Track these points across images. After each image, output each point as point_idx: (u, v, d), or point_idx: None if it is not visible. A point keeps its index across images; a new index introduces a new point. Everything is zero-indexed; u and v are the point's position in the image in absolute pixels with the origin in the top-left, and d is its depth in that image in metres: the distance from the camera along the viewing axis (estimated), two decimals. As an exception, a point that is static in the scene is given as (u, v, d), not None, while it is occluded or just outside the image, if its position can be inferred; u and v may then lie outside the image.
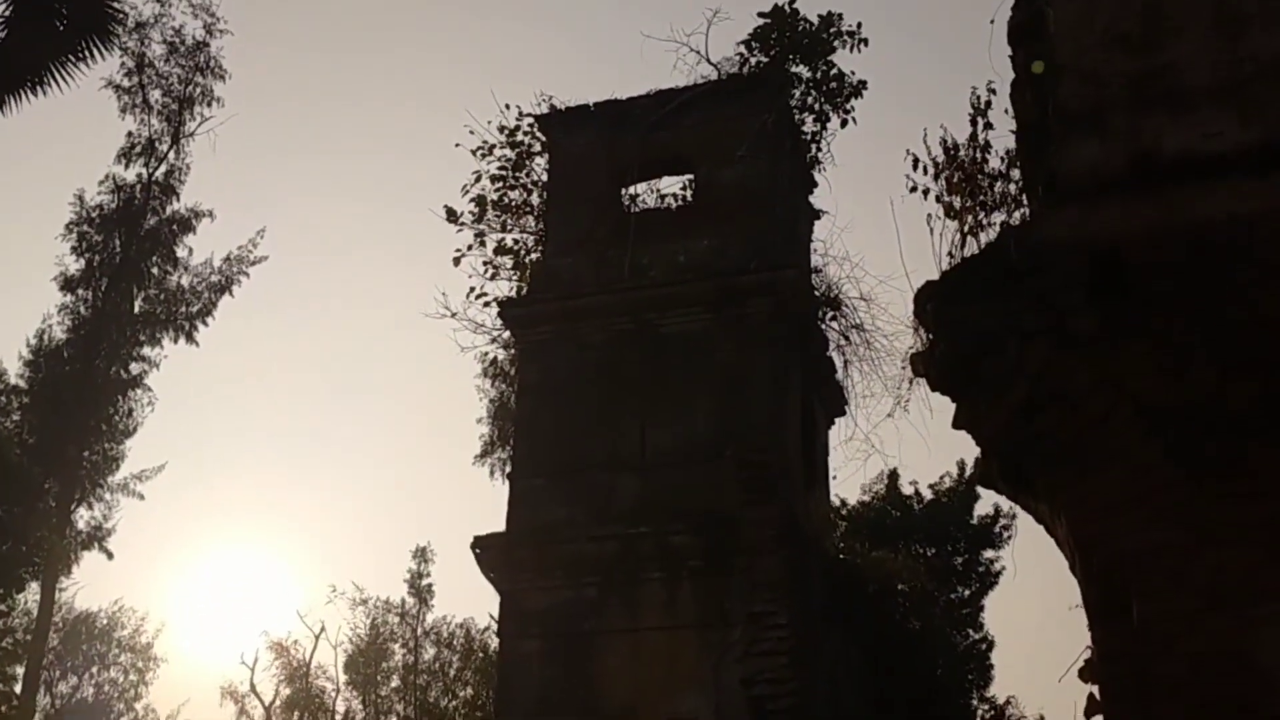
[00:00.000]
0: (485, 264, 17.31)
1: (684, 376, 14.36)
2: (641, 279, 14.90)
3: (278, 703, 39.75)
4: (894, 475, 27.77)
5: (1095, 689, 4.26)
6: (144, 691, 54.50)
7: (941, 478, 28.78)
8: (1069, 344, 4.56)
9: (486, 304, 17.88)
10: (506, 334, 17.92)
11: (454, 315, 17.91)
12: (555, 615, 13.58)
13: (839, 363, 15.82)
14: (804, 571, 13.29)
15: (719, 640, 12.95)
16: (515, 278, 17.94)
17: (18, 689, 26.58)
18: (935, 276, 5.13)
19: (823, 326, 15.72)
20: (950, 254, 4.98)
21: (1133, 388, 4.42)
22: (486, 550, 14.16)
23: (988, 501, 28.83)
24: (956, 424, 4.84)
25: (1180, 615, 3.99)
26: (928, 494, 28.69)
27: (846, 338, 15.20)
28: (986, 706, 27.41)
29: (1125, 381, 4.45)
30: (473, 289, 17.94)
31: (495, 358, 39.02)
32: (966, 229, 4.98)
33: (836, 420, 16.83)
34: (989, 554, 28.44)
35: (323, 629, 39.76)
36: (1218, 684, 3.88)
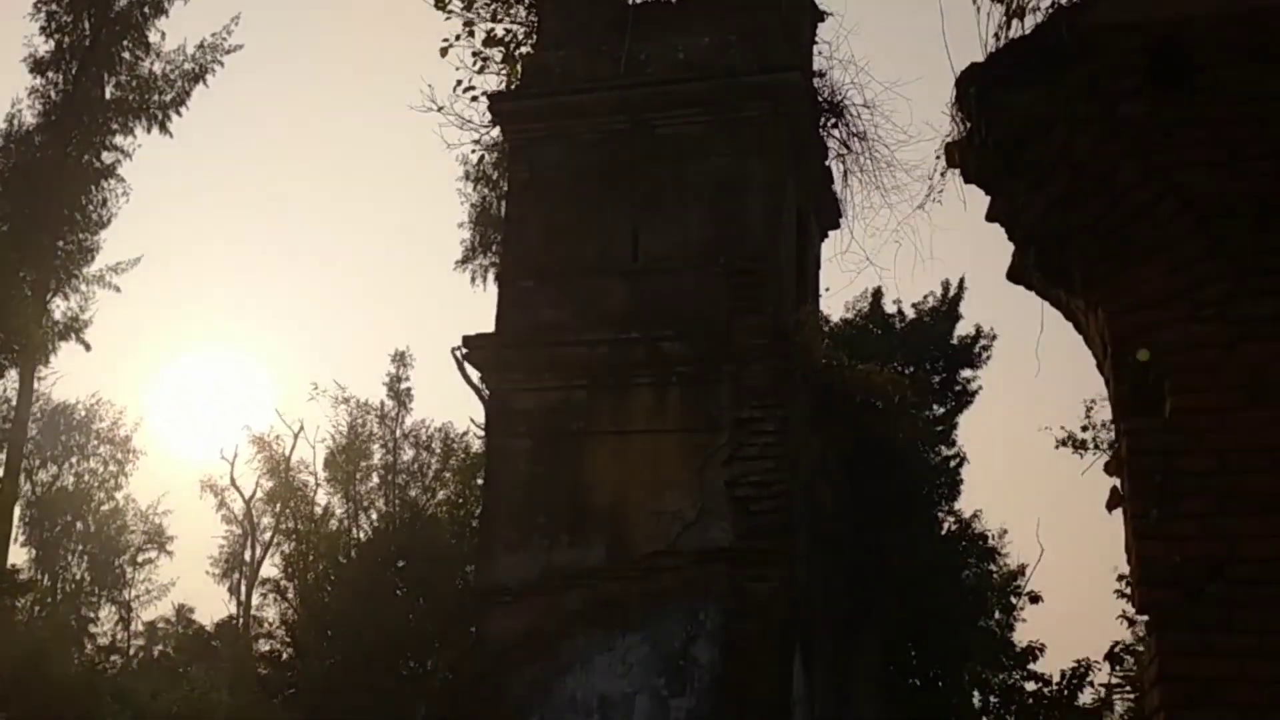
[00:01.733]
0: (474, 55, 16.68)
1: (679, 180, 14.07)
2: (639, 75, 14.42)
3: (259, 495, 40.59)
4: (878, 293, 27.80)
5: (1119, 482, 4.24)
6: (123, 482, 55.43)
7: (925, 297, 28.83)
8: (1117, 132, 4.36)
9: (474, 98, 17.33)
10: (495, 131, 17.43)
11: (440, 110, 17.35)
12: (544, 415, 13.65)
13: (837, 173, 15.53)
14: (791, 380, 13.33)
15: (705, 444, 13.09)
16: (505, 72, 17.33)
17: None
18: (973, 63, 4.86)
19: (823, 134, 15.35)
20: (996, 35, 4.70)
21: (1181, 179, 4.25)
22: (475, 350, 14.12)
23: (969, 322, 29.00)
24: (991, 216, 4.66)
25: (1215, 410, 3.94)
26: (910, 313, 28.78)
27: (847, 147, 14.87)
28: (954, 519, 28.24)
29: (1174, 173, 4.27)
30: (459, 82, 17.35)
31: (481, 158, 38.36)
32: (1013, 9, 4.69)
33: (830, 234, 16.66)
34: (966, 373, 28.75)
35: (301, 427, 40.29)
36: (1248, 476, 3.86)
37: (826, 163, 15.66)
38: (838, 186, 15.59)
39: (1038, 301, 4.80)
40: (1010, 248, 4.81)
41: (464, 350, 14.01)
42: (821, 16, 16.15)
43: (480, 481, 30.56)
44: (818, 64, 15.39)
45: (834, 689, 14.03)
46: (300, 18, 75.86)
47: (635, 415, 13.40)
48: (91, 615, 52.67)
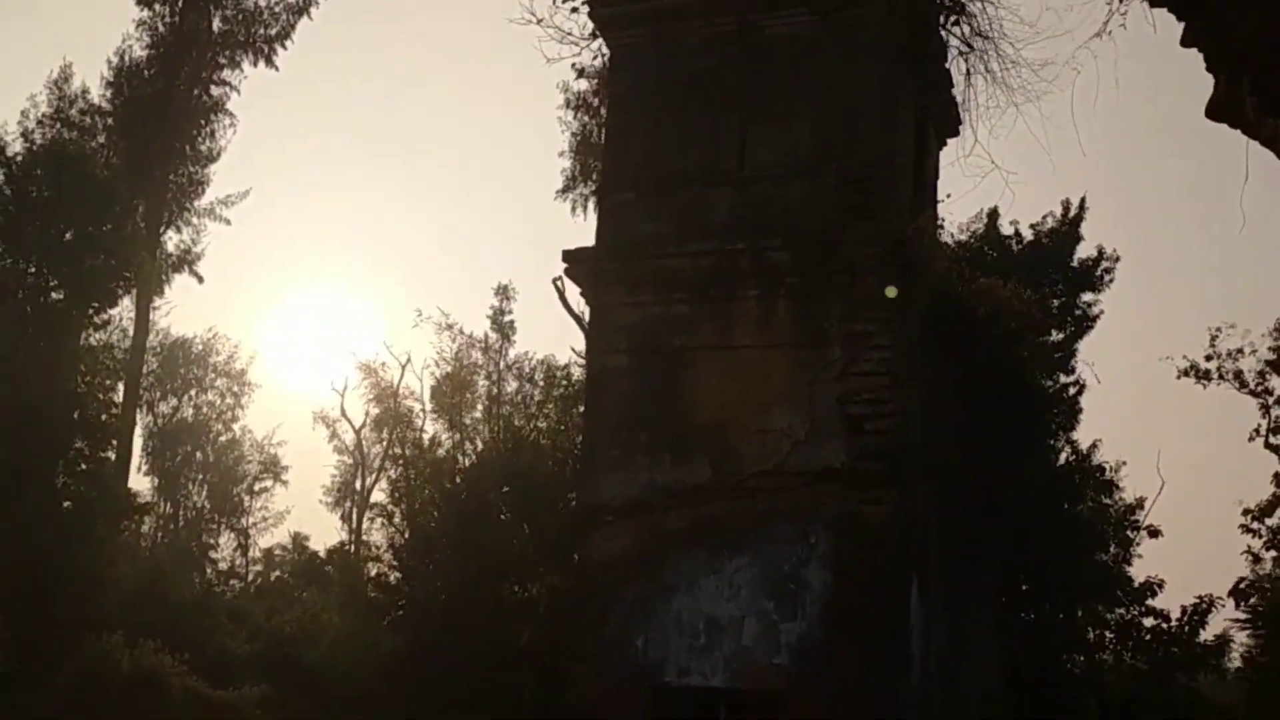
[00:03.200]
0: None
1: (787, 85, 13.32)
2: (745, -26, 13.63)
3: (367, 425, 41.09)
4: (994, 214, 26.57)
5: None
6: (240, 414, 56.89)
7: (1044, 217, 27.52)
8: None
9: (574, 9, 16.73)
10: (596, 44, 16.83)
11: (539, 22, 16.78)
12: (645, 330, 13.17)
13: (958, 73, 14.58)
14: (907, 293, 12.60)
15: (815, 359, 12.47)
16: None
17: (117, 398, 27.51)
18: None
19: (942, 33, 14.41)
20: None
21: None
22: (575, 265, 13.67)
23: (1090, 243, 27.65)
24: (1187, 41, 3.98)
25: None
26: (1028, 234, 27.52)
27: (969, 45, 13.90)
28: (1070, 450, 27.14)
29: None
30: (558, -6, 16.74)
31: (582, 86, 37.71)
32: None
33: (949, 141, 15.73)
34: (1087, 297, 27.47)
35: (409, 359, 40.57)
36: None
37: (946, 65, 14.72)
38: (959, 88, 14.67)
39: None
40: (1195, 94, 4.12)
41: (564, 266, 13.57)
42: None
43: (582, 408, 30.47)
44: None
45: (948, 622, 13.43)
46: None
47: (740, 329, 12.83)
48: (212, 542, 54.46)
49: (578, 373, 31.44)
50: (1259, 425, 38.09)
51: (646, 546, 12.55)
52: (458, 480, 25.67)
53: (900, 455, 12.10)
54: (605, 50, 16.77)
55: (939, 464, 13.28)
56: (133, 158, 32.69)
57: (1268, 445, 37.97)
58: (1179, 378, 38.53)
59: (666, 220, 13.36)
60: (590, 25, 16.48)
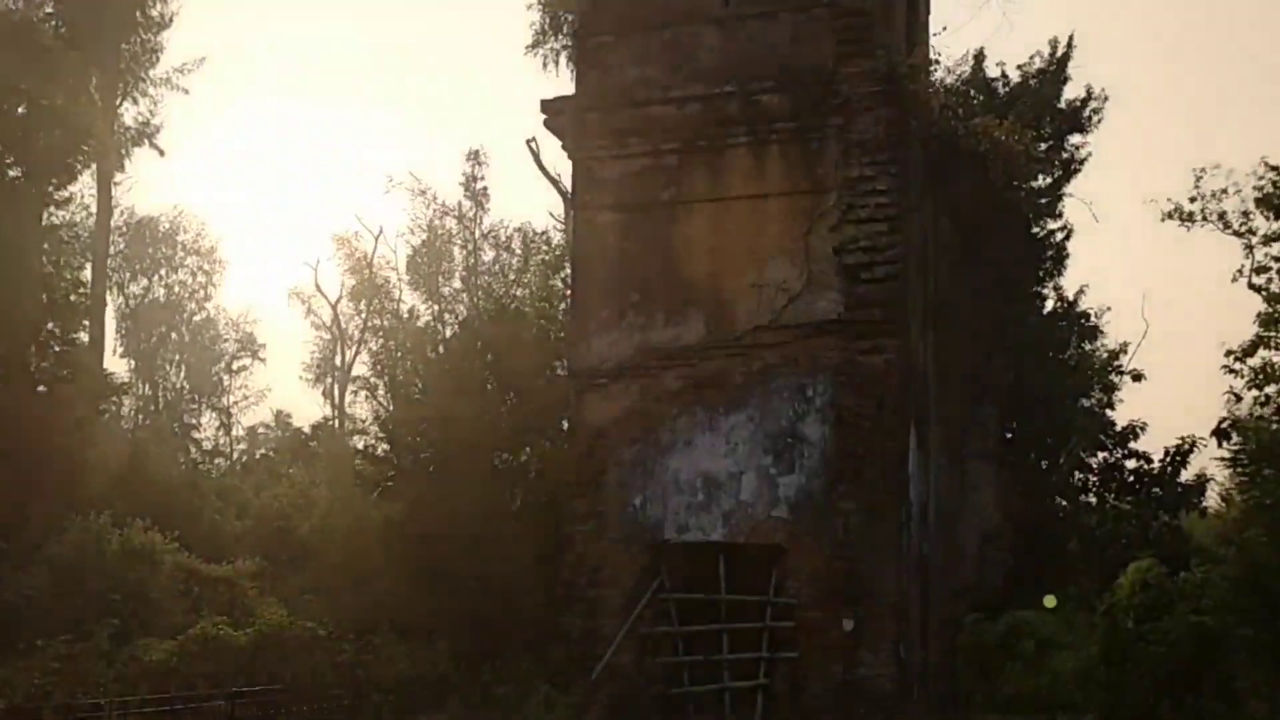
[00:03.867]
0: None
1: (773, -88, 12.50)
2: None
3: (343, 299, 40.47)
4: (979, 56, 25.65)
5: None
6: (213, 293, 56.05)
7: (1031, 58, 26.60)
8: None
9: None
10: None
11: None
12: (632, 184, 12.63)
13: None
14: (904, 133, 12.07)
15: (811, 208, 12.01)
16: None
17: (86, 277, 26.80)
18: None
19: None
20: None
21: None
22: (555, 115, 13.02)
23: (1078, 83, 26.84)
24: None
25: None
26: (1015, 76, 26.69)
27: None
28: (1057, 296, 26.94)
29: None
30: None
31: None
32: None
33: (939, -27, 14.95)
34: (1075, 139, 26.81)
35: (380, 231, 39.70)
36: None
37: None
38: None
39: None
40: None
41: (542, 118, 12.93)
42: None
43: (564, 273, 29.89)
44: None
45: (947, 467, 13.26)
46: None
47: (732, 179, 12.31)
48: (194, 422, 54.21)
49: (557, 237, 30.79)
50: (1242, 266, 37.96)
51: (642, 408, 12.26)
52: (441, 350, 25.25)
53: (899, 303, 11.76)
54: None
55: (935, 307, 12.94)
56: (81, 26, 31.22)
57: (1251, 285, 38.07)
58: (1163, 220, 38.15)
59: (651, 63, 12.70)
60: None
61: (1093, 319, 27.85)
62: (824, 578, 11.35)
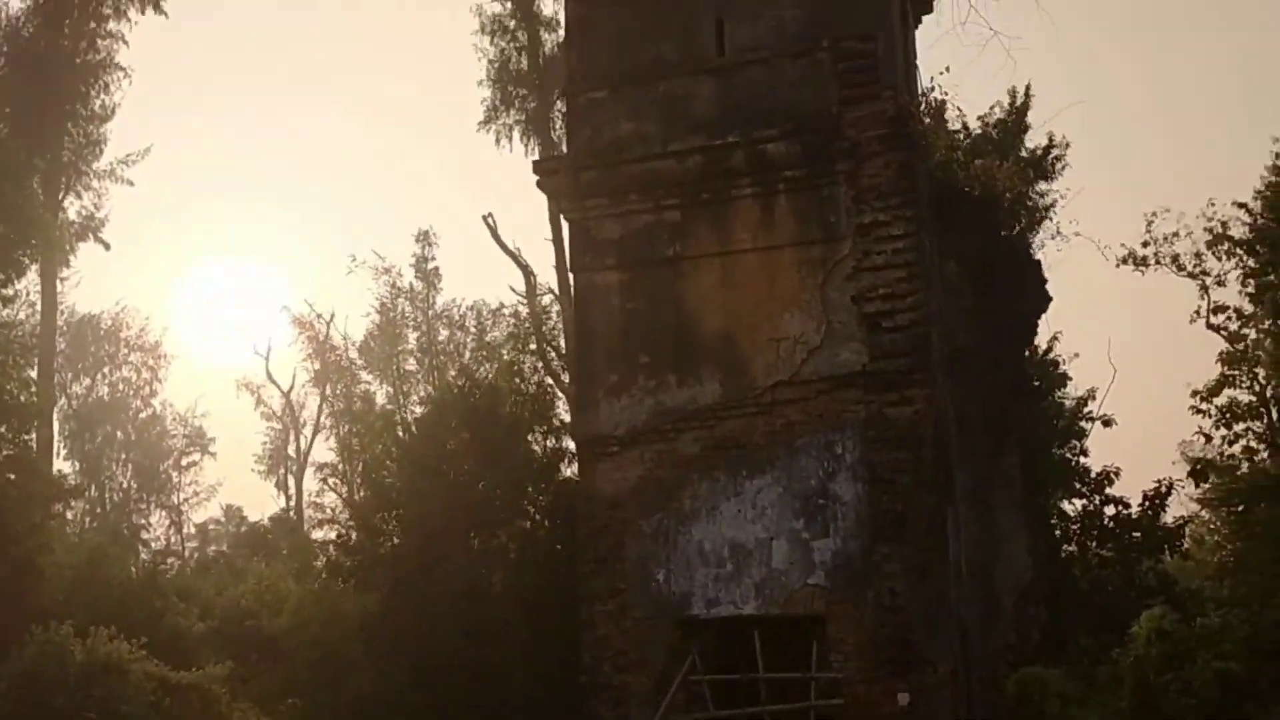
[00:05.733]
0: None
1: (765, -41, 12.17)
2: None
3: (303, 380, 39.35)
4: (940, 105, 25.69)
5: None
6: (159, 388, 54.62)
7: (991, 108, 26.72)
8: None
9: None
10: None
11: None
12: (634, 242, 12.07)
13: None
14: (915, 176, 11.65)
15: (824, 257, 11.50)
16: None
17: (34, 375, 25.67)
18: None
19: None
20: None
21: None
22: (548, 175, 12.48)
23: (1039, 131, 26.97)
24: None
25: None
26: (975, 126, 26.75)
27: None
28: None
29: None
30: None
31: (494, 14, 35.89)
32: None
33: (923, 18, 14.72)
34: (1041, 186, 26.87)
35: (332, 315, 38.87)
36: None
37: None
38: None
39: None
40: None
41: (538, 175, 12.36)
42: None
43: (531, 348, 29.28)
44: None
45: (975, 517, 12.68)
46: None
47: (739, 231, 11.79)
48: (143, 522, 52.50)
49: (524, 310, 30.14)
50: (1199, 307, 38.27)
51: (659, 475, 11.57)
52: (412, 430, 24.41)
53: (924, 351, 11.24)
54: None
55: (954, 352, 12.45)
56: (22, 120, 30.37)
57: (1209, 325, 38.37)
58: (1118, 266, 38.42)
59: (647, 117, 12.22)
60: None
61: (1063, 365, 27.78)
62: (871, 648, 10.63)
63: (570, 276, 12.45)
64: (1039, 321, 13.56)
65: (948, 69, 14.92)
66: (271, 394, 43.16)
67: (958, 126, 26.37)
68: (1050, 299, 13.62)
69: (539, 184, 12.54)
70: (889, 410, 11.02)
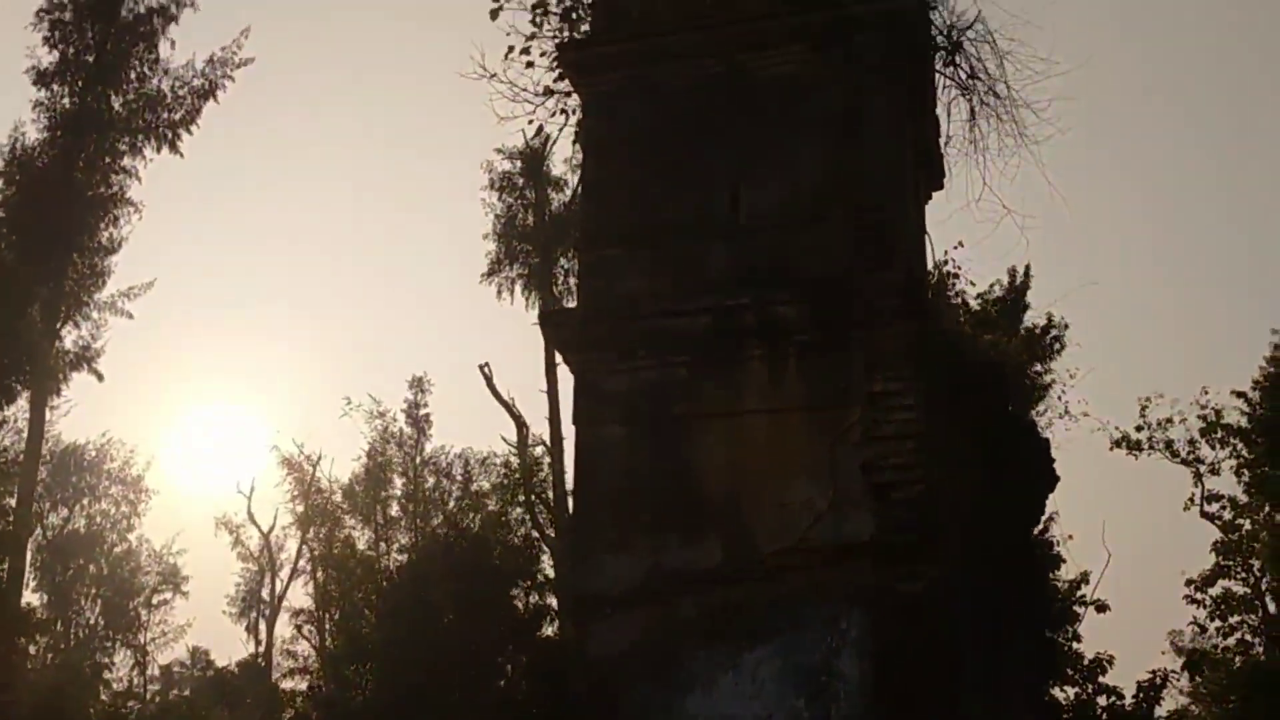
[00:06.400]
0: (535, 7, 15.03)
1: (782, 126, 12.34)
2: (730, 13, 12.72)
3: (288, 521, 38.69)
4: (953, 278, 26.06)
5: None
6: (136, 523, 53.73)
7: (991, 286, 27.12)
8: None
9: (530, 64, 15.73)
10: (550, 101, 15.83)
11: (492, 77, 15.71)
12: (640, 398, 11.87)
13: (962, 112, 13.81)
14: (927, 347, 11.56)
15: (834, 422, 11.30)
16: (561, 32, 15.73)
17: (12, 502, 25.13)
18: None
19: (938, 74, 13.65)
20: None
21: None
22: (557, 328, 12.41)
23: (1039, 310, 27.31)
24: None
25: None
26: (975, 305, 27.04)
27: (966, 88, 13.08)
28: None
29: None
30: (511, 48, 15.78)
31: (503, 170, 36.62)
32: None
33: (934, 194, 14.92)
34: (1037, 368, 27.02)
35: (320, 456, 38.49)
36: None
37: (935, 110, 13.96)
38: (960, 127, 13.88)
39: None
40: None
41: (547, 327, 12.27)
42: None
43: (520, 500, 28.87)
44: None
45: (983, 703, 12.16)
46: (310, 29, 74.60)
47: (748, 392, 11.61)
48: (106, 660, 50.87)
49: (515, 460, 29.89)
50: (1193, 494, 38.04)
51: (654, 640, 11.10)
52: (394, 579, 23.83)
53: (934, 525, 10.93)
54: (564, 107, 15.81)
55: (961, 529, 12.14)
56: (29, 248, 30.60)
57: (1203, 514, 38.05)
58: (1111, 449, 38.31)
59: (658, 275, 12.18)
60: (542, 83, 15.54)
61: (1057, 546, 27.34)
62: (873, 837, 10.03)
63: (572, 429, 12.19)
64: (1047, 501, 13.40)
65: (960, 244, 15.15)
66: (250, 534, 42.43)
67: (971, 299, 26.72)
68: (1058, 479, 13.45)
69: (547, 335, 12.47)
70: (897, 585, 10.66)
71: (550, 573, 25.11)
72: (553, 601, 24.81)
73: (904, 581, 10.67)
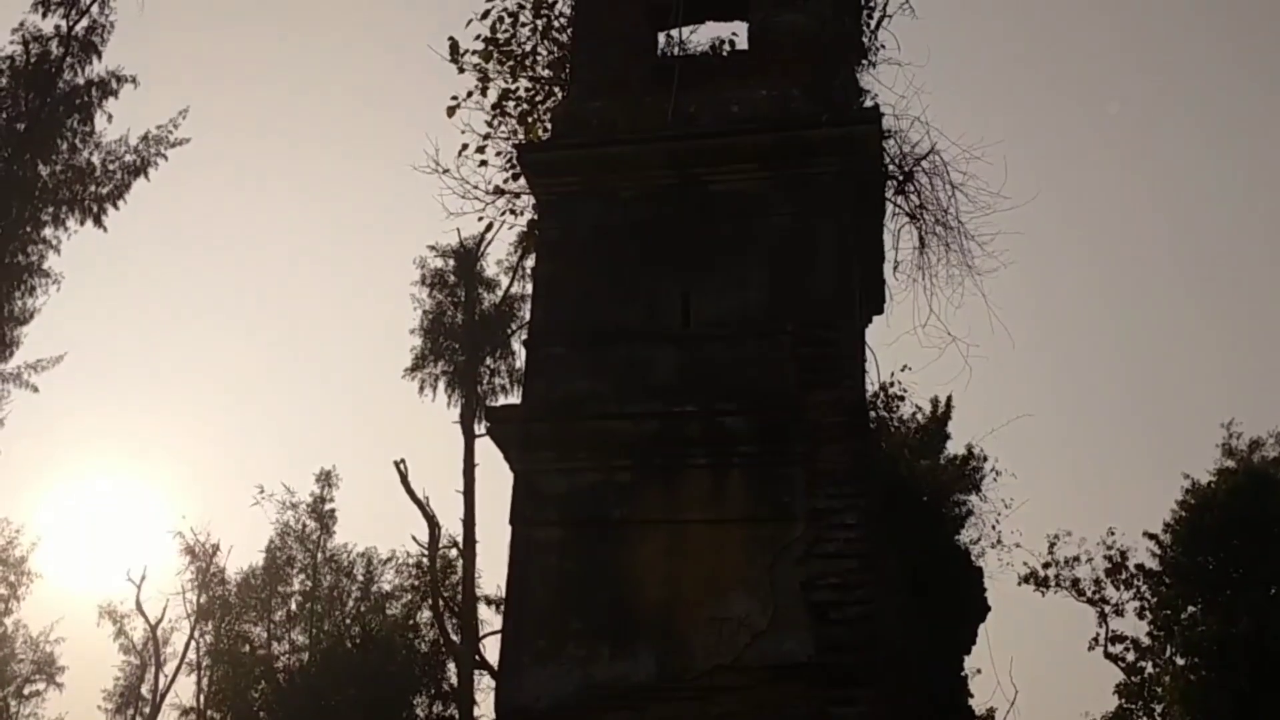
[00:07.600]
0: (492, 108, 15.14)
1: (735, 240, 12.45)
2: (688, 127, 12.91)
3: (178, 614, 37.06)
4: (886, 404, 26.25)
5: None
6: (15, 607, 51.07)
7: (913, 414, 27.40)
8: None
9: (484, 162, 15.81)
10: (500, 200, 15.89)
11: (444, 172, 15.74)
12: (579, 500, 11.64)
13: (913, 238, 14.08)
14: (870, 468, 11.55)
15: (775, 537, 11.16)
16: (518, 135, 15.86)
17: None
18: None
19: (888, 201, 13.94)
20: None
21: None
22: (499, 424, 12.17)
23: (959, 441, 27.60)
24: None
25: None
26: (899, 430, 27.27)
27: (923, 208, 13.36)
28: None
29: None
30: (465, 145, 15.87)
31: (436, 267, 36.53)
32: None
33: (874, 317, 15.11)
34: (957, 497, 27.22)
35: (216, 547, 37.15)
36: None
37: (885, 236, 14.23)
38: (909, 254, 14.14)
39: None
40: None
41: (489, 423, 12.03)
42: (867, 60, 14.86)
43: (429, 604, 28.01)
44: (885, 122, 14.01)
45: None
46: (259, 110, 74.37)
47: (690, 502, 11.45)
48: (-35, 759, 47.81)
49: (425, 560, 29.12)
50: (1097, 634, 38.40)
51: (581, 759, 10.67)
52: (295, 679, 22.84)
53: (872, 648, 10.77)
54: (513, 207, 15.85)
55: (898, 659, 11.99)
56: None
57: (1107, 655, 38.39)
58: (1019, 584, 38.63)
59: (604, 377, 12.06)
60: (494, 182, 15.62)
61: (969, 682, 27.23)
62: None
63: (507, 530, 11.86)
64: (978, 631, 13.33)
65: (907, 367, 15.35)
66: (136, 625, 40.48)
67: (908, 421, 26.94)
68: (989, 608, 13.42)
69: (488, 432, 12.22)
70: (833, 709, 10.43)
71: (455, 681, 24.33)
72: (454, 713, 23.96)
73: (839, 706, 10.45)
